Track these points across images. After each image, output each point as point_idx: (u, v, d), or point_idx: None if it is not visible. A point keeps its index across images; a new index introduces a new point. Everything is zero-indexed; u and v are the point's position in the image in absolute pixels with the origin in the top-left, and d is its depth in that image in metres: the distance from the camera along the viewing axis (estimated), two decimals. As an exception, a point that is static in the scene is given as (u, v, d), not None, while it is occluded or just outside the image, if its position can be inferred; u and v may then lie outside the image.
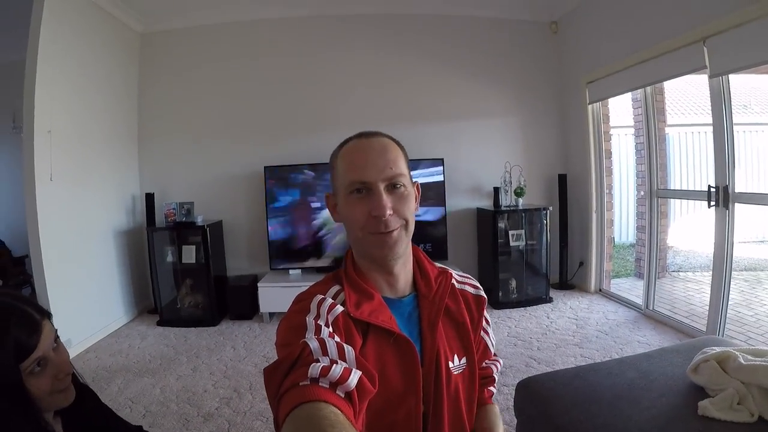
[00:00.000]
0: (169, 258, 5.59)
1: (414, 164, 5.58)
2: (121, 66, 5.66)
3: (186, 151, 6.00)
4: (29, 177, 4.21)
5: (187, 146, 5.99)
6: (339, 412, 0.77)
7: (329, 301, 1.12)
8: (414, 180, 1.23)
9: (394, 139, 1.20)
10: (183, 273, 5.61)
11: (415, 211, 1.19)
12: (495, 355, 1.47)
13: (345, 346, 0.94)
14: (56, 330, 1.29)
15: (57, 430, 1.31)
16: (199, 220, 5.54)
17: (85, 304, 4.79)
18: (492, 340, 1.43)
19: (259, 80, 5.97)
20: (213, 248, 5.47)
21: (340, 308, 1.11)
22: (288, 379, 0.84)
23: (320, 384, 0.82)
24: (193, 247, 5.51)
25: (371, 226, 1.12)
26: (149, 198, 5.57)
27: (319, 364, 0.84)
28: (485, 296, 1.39)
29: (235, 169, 5.96)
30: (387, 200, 1.10)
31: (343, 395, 0.83)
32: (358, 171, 1.12)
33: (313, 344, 0.91)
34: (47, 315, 1.27)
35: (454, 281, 1.32)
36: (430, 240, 5.69)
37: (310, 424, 0.73)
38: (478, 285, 1.40)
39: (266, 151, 5.85)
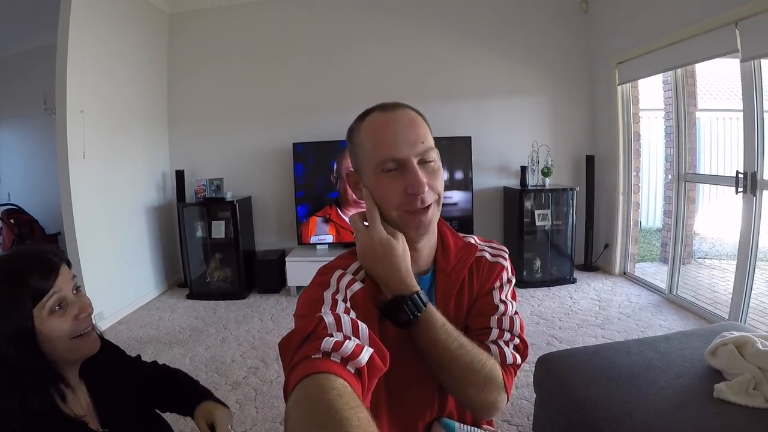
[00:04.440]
0: (199, 233, 5.71)
1: (441, 141, 5.59)
2: (150, 46, 5.74)
3: (215, 128, 6.08)
4: (63, 155, 4.30)
5: (216, 124, 6.07)
6: (348, 385, 0.77)
7: (349, 276, 1.13)
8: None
9: (418, 111, 1.16)
10: (212, 247, 5.73)
11: (444, 183, 1.16)
12: (513, 337, 1.26)
13: (359, 323, 0.95)
14: (75, 276, 1.32)
15: (80, 392, 1.33)
16: (229, 196, 5.63)
17: (117, 278, 4.92)
18: (508, 311, 1.26)
19: (287, 58, 6.01)
20: (242, 223, 5.56)
21: (359, 285, 1.12)
22: (300, 351, 0.85)
23: (332, 358, 0.82)
24: (223, 222, 5.60)
25: (408, 204, 1.09)
26: (179, 175, 5.67)
27: (332, 338, 0.86)
28: (504, 264, 1.30)
29: (263, 146, 6.03)
30: (422, 176, 1.07)
31: (353, 371, 0.83)
32: (389, 147, 1.07)
33: (328, 318, 0.93)
34: (66, 261, 1.31)
35: (478, 253, 1.29)
36: (457, 218, 5.73)
37: (318, 393, 0.74)
38: (501, 252, 1.32)
39: (294, 127, 5.90)
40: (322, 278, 1.14)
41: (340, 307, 1.02)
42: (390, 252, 1.09)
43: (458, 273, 1.23)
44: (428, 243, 1.22)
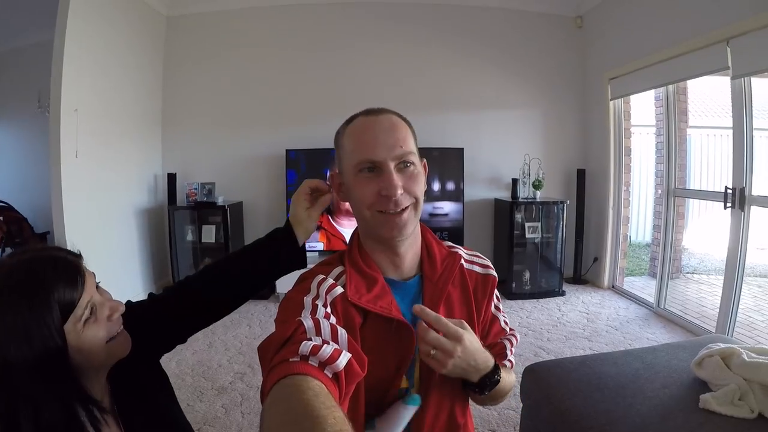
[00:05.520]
0: (189, 237, 5.70)
1: (433, 153, 5.65)
2: (146, 48, 5.73)
3: (209, 132, 6.07)
4: (55, 153, 4.27)
5: (209, 128, 6.07)
6: (324, 386, 0.78)
7: (329, 281, 1.13)
8: (422, 158, 1.21)
9: (402, 117, 1.18)
10: (202, 252, 5.71)
11: (423, 188, 1.17)
12: (511, 330, 1.41)
13: (339, 328, 0.96)
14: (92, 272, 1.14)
15: (104, 402, 1.14)
16: (220, 201, 5.62)
17: (105, 280, 4.71)
18: (504, 317, 1.39)
19: (282, 65, 6.02)
20: (233, 228, 5.55)
21: (339, 290, 1.12)
22: (279, 354, 0.85)
23: (310, 362, 0.82)
24: (213, 226, 5.61)
25: (380, 204, 1.10)
26: (171, 178, 5.66)
27: (310, 342, 0.86)
28: (495, 275, 1.35)
29: (256, 152, 6.03)
30: (397, 179, 1.08)
31: (330, 375, 0.84)
32: (367, 150, 1.09)
33: (308, 323, 0.94)
34: (80, 255, 1.13)
35: (462, 262, 1.30)
36: (447, 229, 5.75)
37: (294, 393, 0.74)
38: (488, 264, 1.36)
39: (288, 134, 5.90)
40: (303, 284, 1.15)
41: (320, 311, 1.02)
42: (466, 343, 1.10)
43: (445, 281, 1.23)
44: (411, 249, 1.23)
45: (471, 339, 1.10)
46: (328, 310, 1.06)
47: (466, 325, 1.12)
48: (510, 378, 1.30)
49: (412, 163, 1.13)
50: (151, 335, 1.27)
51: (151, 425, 1.22)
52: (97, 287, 1.13)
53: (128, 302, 1.26)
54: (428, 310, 1.06)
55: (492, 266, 1.37)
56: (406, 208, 1.12)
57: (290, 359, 0.83)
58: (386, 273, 1.22)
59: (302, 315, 0.99)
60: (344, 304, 1.11)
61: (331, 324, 0.96)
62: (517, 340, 1.39)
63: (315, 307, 1.03)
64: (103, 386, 1.16)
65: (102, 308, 1.09)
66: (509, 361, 1.35)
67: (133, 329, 1.18)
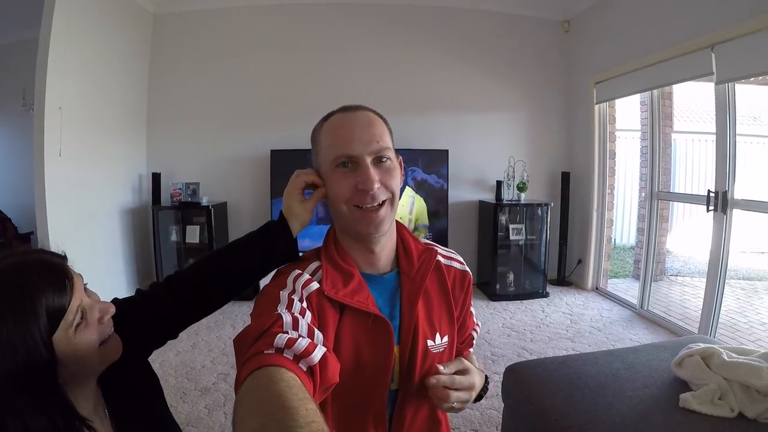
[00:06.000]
0: (173, 237, 5.66)
1: (418, 154, 5.67)
2: (132, 46, 5.69)
3: (194, 132, 6.03)
4: (39, 152, 4.23)
5: (195, 128, 6.03)
6: (297, 379, 0.78)
7: (305, 276, 1.13)
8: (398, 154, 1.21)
9: (378, 113, 1.19)
10: (186, 252, 5.66)
11: (400, 184, 1.18)
12: (476, 322, 1.49)
13: (316, 330, 0.96)
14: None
15: (97, 407, 1.11)
16: (204, 201, 5.59)
17: (89, 280, 4.74)
18: (473, 309, 1.47)
19: (269, 65, 6.01)
20: (217, 229, 5.52)
21: (315, 285, 1.12)
22: (254, 346, 0.86)
23: (284, 354, 0.83)
24: (198, 227, 5.57)
25: (357, 199, 1.12)
26: (156, 177, 5.63)
27: (286, 335, 0.87)
28: (470, 273, 1.39)
29: (241, 152, 5.99)
30: (374, 173, 1.10)
31: (305, 369, 0.84)
32: (344, 145, 1.11)
33: (286, 318, 0.94)
34: (65, 257, 1.07)
35: (439, 257, 1.32)
36: (431, 230, 5.76)
37: (267, 383, 0.75)
38: (464, 261, 1.40)
39: (273, 135, 5.86)
40: (280, 279, 1.15)
41: (296, 306, 1.02)
42: None
43: (422, 276, 1.24)
44: (386, 246, 1.24)
45: (475, 376, 1.22)
46: (304, 305, 1.06)
47: (465, 362, 1.21)
48: (476, 362, 1.44)
49: (389, 158, 1.14)
50: (142, 332, 1.23)
51: (143, 427, 1.19)
52: (85, 289, 1.07)
53: (115, 299, 1.20)
54: (442, 377, 1.13)
55: (465, 262, 1.41)
56: (383, 203, 1.13)
57: (265, 351, 0.83)
58: (362, 268, 1.22)
59: (279, 309, 0.99)
60: (319, 300, 1.11)
61: (309, 324, 0.96)
62: (479, 327, 1.52)
63: (291, 302, 1.03)
64: (95, 390, 1.12)
65: (92, 311, 1.04)
66: (472, 346, 1.49)
67: (123, 328, 1.14)
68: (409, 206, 5.67)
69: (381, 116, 1.20)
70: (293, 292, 1.09)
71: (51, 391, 0.96)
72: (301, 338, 0.88)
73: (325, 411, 1.14)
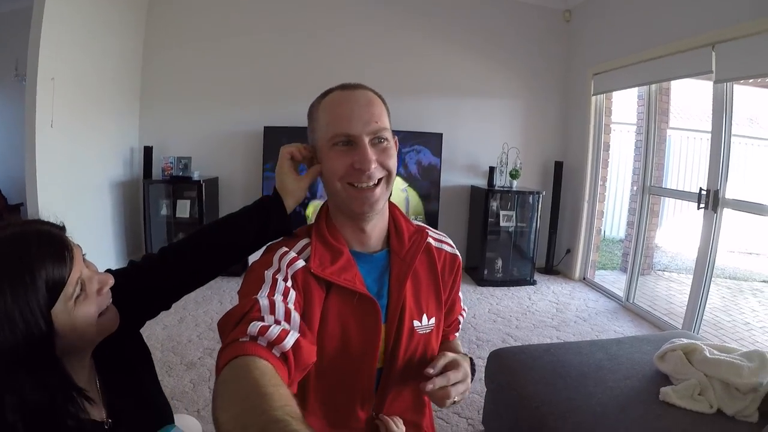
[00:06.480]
0: (164, 211, 5.62)
1: (413, 136, 5.66)
2: (127, 19, 5.59)
3: (187, 106, 5.96)
4: (30, 123, 4.17)
5: (188, 102, 5.96)
6: (271, 366, 0.81)
7: (291, 255, 1.15)
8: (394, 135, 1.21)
9: (377, 93, 1.19)
10: (176, 227, 5.63)
11: (396, 164, 1.18)
12: (463, 307, 1.51)
13: (293, 312, 0.99)
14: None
15: (90, 380, 1.11)
16: (196, 176, 5.54)
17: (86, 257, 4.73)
18: (461, 294, 1.49)
19: (264, 42, 5.93)
20: (207, 204, 5.49)
21: (300, 263, 1.13)
22: (233, 333, 0.89)
23: (258, 342, 0.86)
24: (188, 201, 5.53)
25: (352, 177, 1.12)
26: (147, 151, 5.57)
27: (258, 323, 0.89)
28: (459, 256, 1.40)
29: (234, 128, 5.94)
30: (372, 153, 1.10)
31: (278, 355, 0.86)
32: (343, 123, 1.11)
33: (263, 302, 0.97)
34: (64, 228, 1.06)
35: (430, 239, 1.33)
36: (422, 213, 5.76)
37: (242, 372, 0.78)
38: (454, 245, 1.41)
39: (266, 111, 5.81)
40: (267, 256, 1.17)
41: (280, 286, 1.05)
42: None
43: (412, 256, 1.25)
44: (377, 226, 1.24)
45: (464, 364, 1.20)
46: (289, 284, 1.07)
47: (449, 354, 1.19)
48: (460, 348, 1.50)
49: (386, 139, 1.15)
50: (136, 303, 1.23)
51: (133, 402, 1.18)
52: (84, 260, 1.05)
53: (108, 270, 1.18)
54: (437, 380, 1.11)
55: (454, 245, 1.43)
56: (379, 181, 1.14)
57: (240, 339, 0.87)
58: (353, 246, 1.23)
59: (259, 293, 1.02)
60: (305, 277, 1.12)
61: (287, 307, 0.99)
62: (466, 312, 1.54)
63: (275, 282, 1.06)
64: (89, 363, 1.12)
65: (91, 283, 1.03)
66: (458, 330, 1.53)
67: (118, 299, 1.12)
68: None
69: (380, 96, 1.19)
70: (278, 271, 1.10)
71: (49, 365, 0.95)
72: (274, 325, 0.90)
73: (309, 389, 1.18)
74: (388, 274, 1.24)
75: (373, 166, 1.10)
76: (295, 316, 0.98)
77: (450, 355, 1.18)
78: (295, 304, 1.04)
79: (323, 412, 1.21)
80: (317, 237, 1.20)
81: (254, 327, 0.87)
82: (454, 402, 1.15)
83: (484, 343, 4.07)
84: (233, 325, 0.92)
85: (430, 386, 1.09)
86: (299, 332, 0.93)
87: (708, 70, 3.99)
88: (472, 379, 1.27)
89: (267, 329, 0.87)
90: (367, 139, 1.11)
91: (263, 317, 0.92)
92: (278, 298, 1.00)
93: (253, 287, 1.05)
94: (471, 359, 1.31)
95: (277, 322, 0.92)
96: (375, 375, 1.21)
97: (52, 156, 4.36)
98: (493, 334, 4.27)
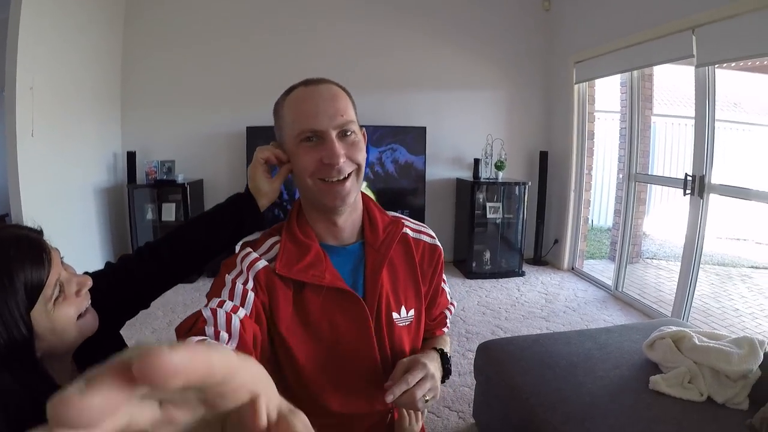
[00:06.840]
0: (149, 216, 5.58)
1: (396, 131, 5.65)
2: (106, 24, 5.53)
3: (169, 110, 5.92)
4: (11, 133, 4.13)
5: (170, 105, 5.91)
6: None
7: (253, 256, 1.16)
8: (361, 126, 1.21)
9: (341, 86, 1.18)
10: (162, 231, 5.55)
11: (365, 156, 1.19)
12: (450, 300, 1.49)
13: (233, 316, 1.02)
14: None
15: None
16: (180, 179, 5.51)
17: (65, 260, 4.70)
18: (448, 288, 1.47)
19: (245, 42, 5.89)
20: (193, 206, 5.43)
21: (261, 264, 1.15)
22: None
23: None
24: (173, 205, 5.50)
25: (322, 172, 1.11)
26: (131, 156, 5.52)
27: (195, 338, 0.95)
28: (441, 246, 1.39)
29: (217, 129, 5.91)
30: (339, 147, 1.09)
31: None
32: (308, 119, 1.10)
33: (206, 313, 1.02)
34: (41, 232, 1.06)
35: (407, 230, 1.32)
36: (408, 207, 5.76)
37: None
38: (434, 235, 1.40)
39: (249, 111, 5.75)
40: (232, 258, 1.19)
41: (238, 290, 1.09)
42: None
43: (387, 247, 1.25)
44: (350, 219, 1.24)
45: (427, 362, 1.17)
46: (249, 285, 1.11)
47: (404, 360, 1.19)
48: (448, 344, 1.42)
49: (353, 132, 1.14)
50: (114, 303, 1.23)
51: None
52: (62, 263, 1.07)
53: (85, 273, 1.17)
54: (395, 389, 1.09)
55: (435, 236, 1.41)
56: (349, 175, 1.13)
57: None
58: (325, 240, 1.23)
59: (210, 302, 1.07)
60: (269, 277, 1.14)
61: (227, 312, 1.02)
62: (454, 307, 1.52)
63: (234, 286, 1.10)
64: (70, 366, 1.12)
65: (70, 284, 1.04)
66: (446, 327, 1.49)
67: (96, 300, 1.13)
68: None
69: (344, 89, 1.19)
70: (240, 274, 1.13)
71: (30, 367, 0.95)
72: (208, 339, 0.96)
73: (317, 380, 1.21)
74: (363, 266, 1.24)
75: (342, 160, 1.10)
76: (235, 321, 1.01)
77: (405, 360, 1.19)
78: (252, 307, 1.08)
79: (342, 393, 1.23)
80: (287, 234, 1.21)
81: (191, 341, 0.90)
82: (427, 401, 1.13)
83: (474, 335, 4.07)
84: (182, 337, 0.97)
85: (390, 397, 1.08)
86: (238, 337, 0.99)
87: (689, 54, 3.97)
88: (449, 372, 1.29)
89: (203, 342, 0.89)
90: (334, 133, 1.10)
91: (203, 329, 0.98)
92: (227, 305, 1.05)
93: (215, 291, 1.12)
94: (442, 352, 1.30)
95: (217, 333, 0.97)
96: (379, 365, 1.22)
97: (34, 165, 4.33)
98: (483, 326, 4.27)
